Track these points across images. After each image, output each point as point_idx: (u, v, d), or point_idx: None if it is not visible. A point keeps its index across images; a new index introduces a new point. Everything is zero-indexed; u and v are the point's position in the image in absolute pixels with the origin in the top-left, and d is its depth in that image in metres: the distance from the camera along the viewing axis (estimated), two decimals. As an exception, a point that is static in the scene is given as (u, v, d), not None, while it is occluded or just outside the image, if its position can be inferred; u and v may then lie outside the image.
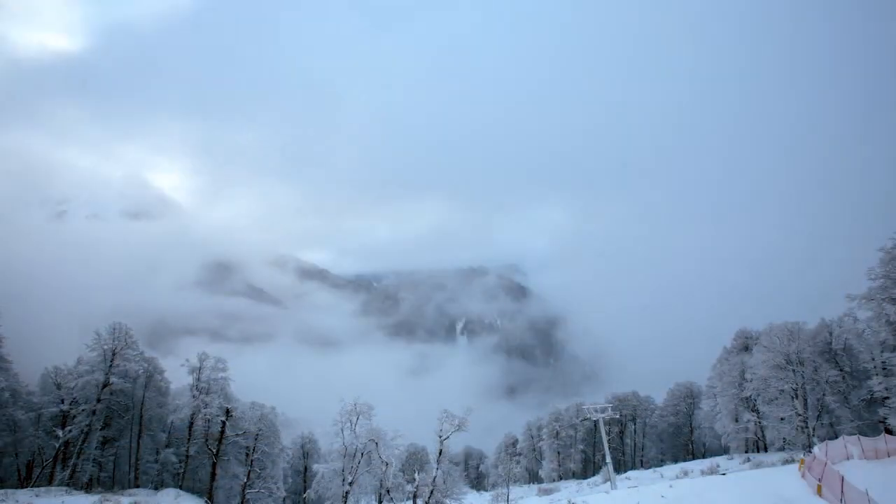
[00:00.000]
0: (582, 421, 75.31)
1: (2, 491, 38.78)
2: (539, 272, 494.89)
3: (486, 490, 77.13)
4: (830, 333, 48.84)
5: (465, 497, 49.55)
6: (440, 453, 44.84)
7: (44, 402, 46.57)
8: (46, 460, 46.02)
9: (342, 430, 47.09)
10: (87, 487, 44.73)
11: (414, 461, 46.60)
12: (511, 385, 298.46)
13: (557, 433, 79.65)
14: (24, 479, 45.53)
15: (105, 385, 46.61)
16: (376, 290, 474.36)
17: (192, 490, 49.96)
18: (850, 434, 39.25)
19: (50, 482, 44.14)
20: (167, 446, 51.72)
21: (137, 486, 47.98)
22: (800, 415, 46.83)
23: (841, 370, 47.41)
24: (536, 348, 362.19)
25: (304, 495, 56.36)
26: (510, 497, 55.36)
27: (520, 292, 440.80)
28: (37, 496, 39.16)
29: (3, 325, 44.08)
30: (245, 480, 50.60)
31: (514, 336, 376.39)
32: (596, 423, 62.41)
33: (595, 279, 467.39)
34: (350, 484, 45.86)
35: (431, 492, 44.10)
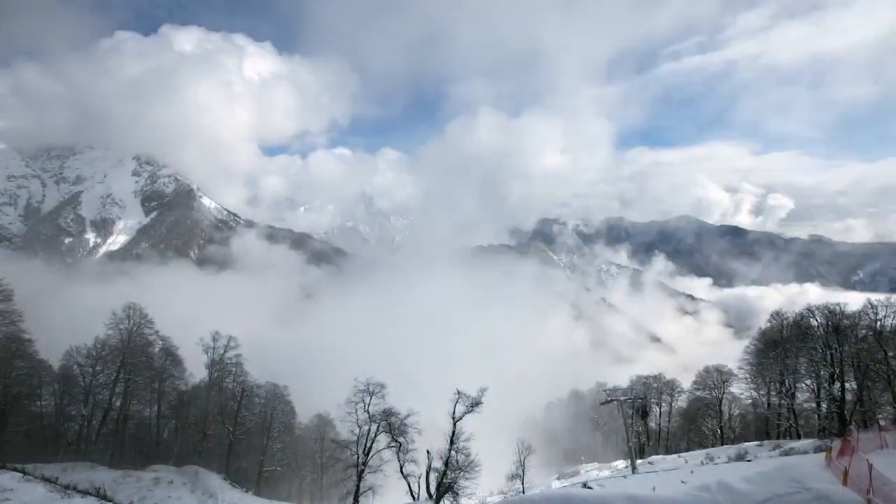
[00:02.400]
0: (603, 404, 73.34)
1: (31, 465, 40.16)
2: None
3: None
4: (875, 315, 45.12)
5: (480, 478, 48.83)
6: (453, 434, 44.08)
7: (66, 380, 47.94)
8: (71, 437, 47.56)
9: (356, 411, 46.95)
10: (111, 463, 46.04)
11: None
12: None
13: (578, 415, 78.14)
14: (50, 456, 47.21)
15: (123, 364, 47.59)
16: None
17: (210, 467, 50.97)
18: (890, 421, 36.43)
19: (75, 458, 45.62)
20: (187, 424, 52.78)
21: (159, 463, 49.21)
22: (836, 401, 43.85)
23: (885, 354, 43.89)
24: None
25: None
26: (525, 479, 54.39)
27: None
28: (63, 471, 40.44)
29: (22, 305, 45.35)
30: (261, 458, 51.30)
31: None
32: (618, 405, 60.50)
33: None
34: (363, 465, 45.76)
35: (444, 472, 43.50)
